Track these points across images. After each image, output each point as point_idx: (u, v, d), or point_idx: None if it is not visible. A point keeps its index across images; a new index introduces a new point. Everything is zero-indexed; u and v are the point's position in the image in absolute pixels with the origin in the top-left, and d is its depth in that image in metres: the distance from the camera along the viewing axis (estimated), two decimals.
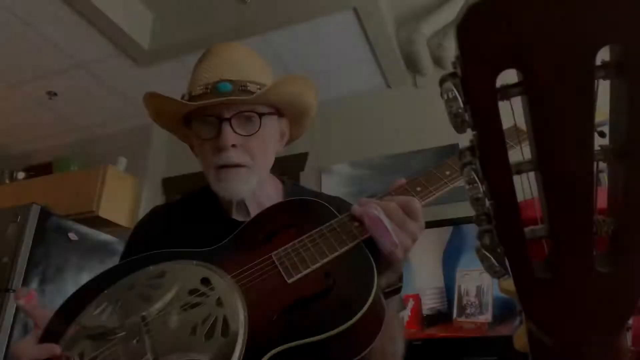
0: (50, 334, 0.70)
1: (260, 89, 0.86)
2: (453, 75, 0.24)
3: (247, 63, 0.89)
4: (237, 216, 0.93)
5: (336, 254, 0.70)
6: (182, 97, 0.88)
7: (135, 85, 3.18)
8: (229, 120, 0.84)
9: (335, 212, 0.78)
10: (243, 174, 0.86)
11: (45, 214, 2.79)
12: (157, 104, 0.89)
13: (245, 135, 0.86)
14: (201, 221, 0.95)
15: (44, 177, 3.49)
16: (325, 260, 0.70)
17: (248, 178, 0.86)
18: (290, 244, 0.73)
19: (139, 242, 0.95)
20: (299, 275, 0.69)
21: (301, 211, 0.82)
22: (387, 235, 0.67)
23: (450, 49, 2.77)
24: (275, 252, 0.73)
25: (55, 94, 3.28)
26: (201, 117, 0.87)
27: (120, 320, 0.69)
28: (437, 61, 3.01)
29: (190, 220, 0.96)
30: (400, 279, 0.78)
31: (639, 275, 0.26)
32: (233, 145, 0.84)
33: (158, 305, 0.69)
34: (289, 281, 0.69)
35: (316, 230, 0.74)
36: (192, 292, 0.70)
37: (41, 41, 2.79)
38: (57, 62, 2.97)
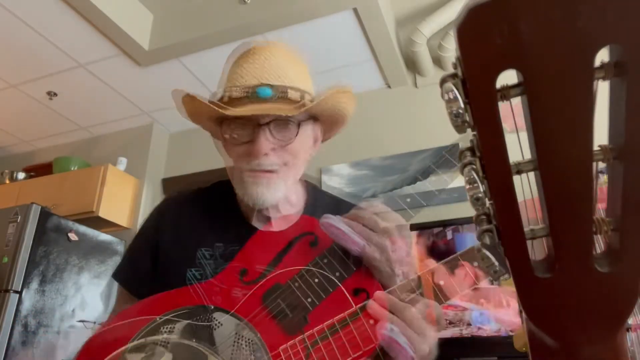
0: None
1: (300, 95, 0.84)
2: (453, 75, 0.24)
3: (287, 66, 0.87)
4: (256, 223, 0.90)
5: None
6: (220, 99, 0.85)
7: (135, 85, 3.18)
8: (265, 125, 0.82)
9: (349, 297, 0.74)
10: (272, 179, 0.83)
11: (45, 214, 2.79)
12: (195, 106, 0.86)
13: (280, 142, 0.83)
14: (219, 222, 0.92)
15: (44, 177, 3.50)
16: None
17: (276, 185, 0.83)
18: (299, 338, 0.71)
19: (149, 237, 0.93)
20: None
21: (309, 284, 0.77)
22: (404, 353, 0.64)
23: (450, 49, 2.78)
24: (283, 347, 0.71)
25: (55, 94, 3.29)
26: (237, 118, 0.83)
27: None
28: (437, 61, 3.01)
29: (206, 219, 0.93)
30: None
31: (638, 275, 0.26)
32: (266, 153, 0.82)
33: None
34: None
35: (327, 322, 0.71)
36: None
37: (41, 41, 2.79)
38: (57, 62, 2.97)
